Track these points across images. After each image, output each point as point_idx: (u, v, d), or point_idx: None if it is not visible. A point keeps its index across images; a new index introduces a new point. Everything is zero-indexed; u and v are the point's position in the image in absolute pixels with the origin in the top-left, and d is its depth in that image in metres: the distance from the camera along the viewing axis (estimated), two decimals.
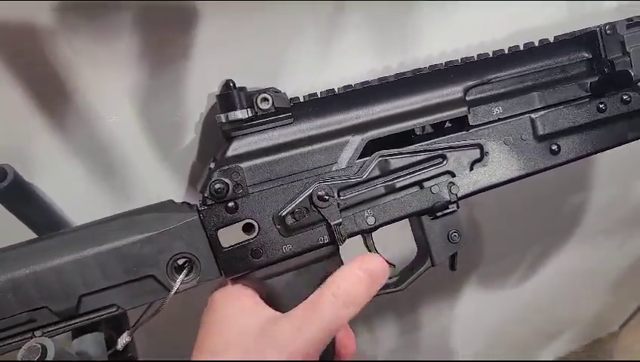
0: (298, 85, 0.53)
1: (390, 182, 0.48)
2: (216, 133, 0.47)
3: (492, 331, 1.21)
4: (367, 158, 0.47)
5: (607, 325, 1.49)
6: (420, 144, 0.49)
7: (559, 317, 1.29)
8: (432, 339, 1.12)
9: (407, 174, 0.48)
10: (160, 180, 0.54)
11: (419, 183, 0.49)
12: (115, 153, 0.51)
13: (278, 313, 0.44)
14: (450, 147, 0.49)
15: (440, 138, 0.49)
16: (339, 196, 0.46)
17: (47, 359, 0.38)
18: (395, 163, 0.48)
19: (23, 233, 0.47)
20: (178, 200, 0.48)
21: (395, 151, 0.48)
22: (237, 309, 0.44)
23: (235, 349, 0.41)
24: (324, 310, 0.42)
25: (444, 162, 0.49)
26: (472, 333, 1.18)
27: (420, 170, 0.49)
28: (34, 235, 0.48)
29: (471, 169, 0.50)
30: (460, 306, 1.08)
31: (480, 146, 0.50)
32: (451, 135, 0.49)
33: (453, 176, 0.49)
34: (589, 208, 0.98)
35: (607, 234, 1.10)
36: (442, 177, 0.49)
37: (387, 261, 0.51)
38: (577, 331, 1.40)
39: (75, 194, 0.51)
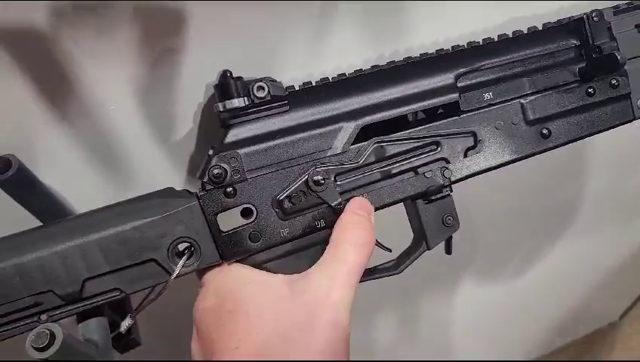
0: (293, 75, 0.54)
1: (386, 168, 0.49)
2: (215, 123, 0.48)
3: (491, 322, 1.22)
4: (363, 144, 0.49)
5: (608, 315, 1.49)
6: (415, 130, 0.50)
7: (559, 307, 1.30)
8: (430, 331, 1.13)
9: (402, 160, 0.50)
10: (160, 169, 0.55)
11: (414, 169, 0.50)
12: (116, 143, 0.52)
13: (293, 274, 0.46)
14: (445, 134, 0.50)
15: (434, 124, 0.50)
16: (336, 181, 0.48)
17: (56, 344, 0.40)
18: (391, 149, 0.49)
19: (28, 221, 0.48)
20: (179, 186, 0.50)
21: (391, 137, 0.49)
22: (251, 278, 0.45)
23: (272, 313, 0.42)
24: (349, 258, 0.44)
25: (439, 149, 0.50)
26: (470, 325, 1.18)
27: (414, 156, 0.50)
28: (39, 223, 0.49)
29: (465, 155, 0.51)
30: (459, 298, 1.09)
31: (474, 134, 0.51)
32: (444, 120, 0.50)
33: (448, 162, 0.50)
34: (587, 198, 0.99)
35: (605, 225, 1.10)
36: (437, 163, 0.50)
37: (384, 246, 0.52)
38: (578, 321, 1.41)
39: (77, 183, 0.53)
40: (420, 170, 0.50)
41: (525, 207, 0.94)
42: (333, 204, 0.47)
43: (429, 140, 0.50)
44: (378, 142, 0.49)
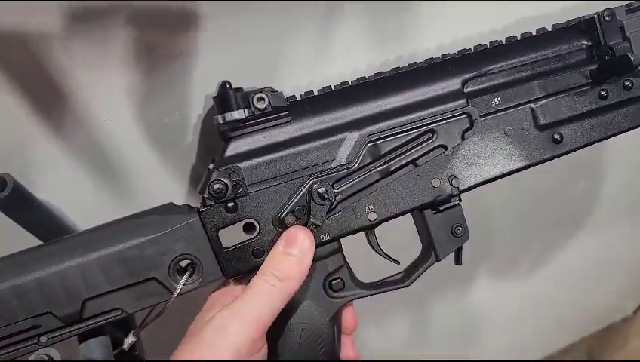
0: (297, 82, 0.53)
1: (383, 166, 0.48)
2: (216, 133, 0.47)
3: (504, 320, 1.21)
4: (357, 146, 0.47)
5: (621, 310, 1.48)
6: (406, 118, 0.48)
7: (572, 303, 1.29)
8: (443, 330, 1.12)
9: (399, 155, 0.48)
10: (161, 180, 0.54)
11: (412, 162, 0.48)
12: (114, 155, 0.51)
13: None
14: (438, 120, 0.48)
15: (426, 112, 0.48)
16: (334, 188, 0.46)
17: None
18: (385, 146, 0.48)
19: (27, 240, 0.48)
20: (180, 200, 0.49)
21: (383, 132, 0.47)
22: (210, 306, 0.46)
23: (191, 337, 0.43)
24: (257, 288, 0.43)
25: (434, 136, 0.48)
26: (483, 324, 1.17)
27: (411, 148, 0.48)
28: (38, 242, 0.49)
29: (463, 138, 0.49)
30: (472, 296, 1.08)
31: (468, 114, 0.49)
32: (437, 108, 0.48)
33: (446, 148, 0.48)
34: (601, 194, 0.98)
35: (618, 220, 1.09)
36: (436, 151, 0.48)
37: (391, 258, 0.51)
38: (591, 317, 1.40)
39: (76, 197, 0.52)
40: (419, 161, 0.48)
41: (538, 204, 0.92)
42: (311, 221, 0.45)
43: (423, 130, 0.48)
44: (371, 142, 0.47)
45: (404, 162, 0.48)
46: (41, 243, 0.48)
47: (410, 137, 0.48)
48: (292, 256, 0.44)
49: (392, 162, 0.48)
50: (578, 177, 0.92)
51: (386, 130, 0.47)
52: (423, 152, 0.48)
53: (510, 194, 0.86)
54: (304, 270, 0.44)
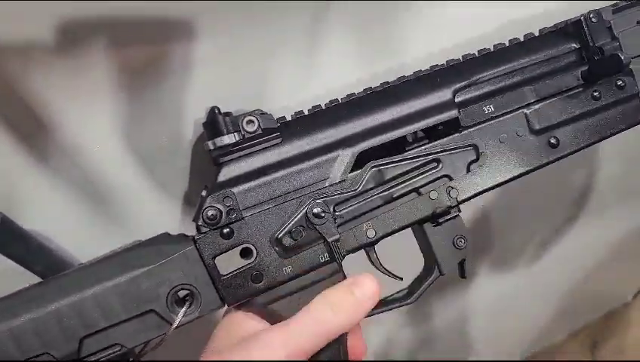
0: (286, 101, 0.52)
1: (386, 192, 0.47)
2: (207, 158, 0.46)
3: (505, 313, 1.20)
4: (360, 170, 0.47)
5: (621, 296, 1.48)
6: (412, 150, 0.48)
7: (572, 291, 1.28)
8: (445, 327, 1.11)
9: (402, 182, 0.48)
10: (153, 205, 0.53)
11: (416, 190, 0.48)
12: (103, 182, 0.50)
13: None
14: (444, 150, 0.48)
15: (432, 143, 0.48)
16: (334, 211, 0.46)
17: None
18: (389, 172, 0.47)
19: (21, 276, 0.47)
20: (173, 225, 0.48)
21: (387, 160, 0.47)
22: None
23: (226, 351, 0.42)
24: (311, 313, 0.43)
25: (439, 166, 0.48)
26: (485, 317, 1.17)
27: (415, 176, 0.48)
28: (31, 275, 0.48)
29: (468, 170, 0.49)
30: (472, 290, 1.07)
31: (474, 146, 0.49)
32: (444, 139, 0.48)
33: (451, 179, 0.48)
34: (599, 181, 0.98)
35: (616, 206, 1.08)
36: (440, 181, 0.48)
37: (394, 275, 0.50)
38: (591, 304, 1.40)
39: (66, 227, 0.51)
40: (422, 190, 0.48)
41: (536, 193, 0.91)
42: (330, 240, 0.45)
43: (428, 159, 0.48)
44: (375, 167, 0.47)
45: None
46: (33, 275, 0.47)
47: (413, 165, 0.48)
48: (352, 295, 0.44)
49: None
50: (575, 164, 0.92)
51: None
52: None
53: (507, 185, 0.85)
54: (356, 314, 0.44)
